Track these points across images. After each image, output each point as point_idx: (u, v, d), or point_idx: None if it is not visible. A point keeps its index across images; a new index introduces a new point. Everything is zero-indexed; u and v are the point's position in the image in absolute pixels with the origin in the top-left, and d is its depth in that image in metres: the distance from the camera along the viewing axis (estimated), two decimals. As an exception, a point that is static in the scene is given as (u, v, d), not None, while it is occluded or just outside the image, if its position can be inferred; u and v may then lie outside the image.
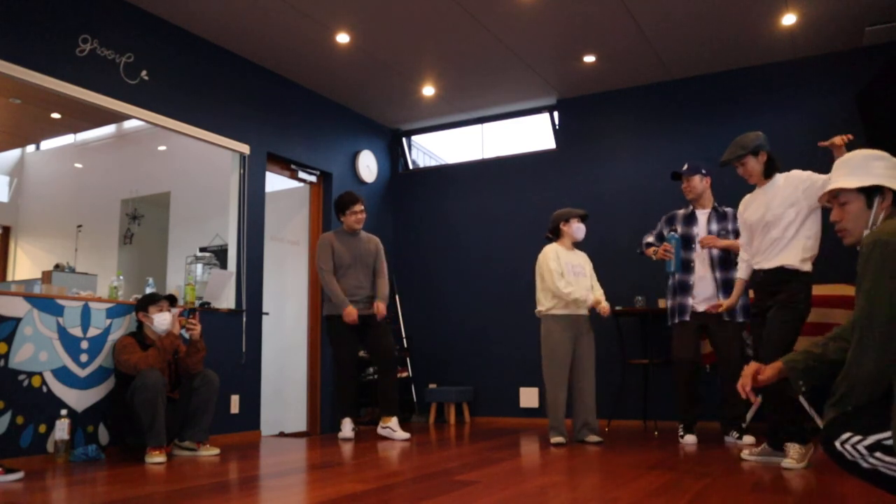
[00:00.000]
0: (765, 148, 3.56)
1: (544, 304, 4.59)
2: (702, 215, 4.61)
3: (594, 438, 4.49)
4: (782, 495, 2.69)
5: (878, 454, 1.60)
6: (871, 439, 1.62)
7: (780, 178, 3.57)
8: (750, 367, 2.03)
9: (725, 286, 4.40)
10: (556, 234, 4.74)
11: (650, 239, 4.78)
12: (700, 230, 4.56)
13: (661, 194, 5.60)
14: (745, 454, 3.60)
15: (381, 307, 5.01)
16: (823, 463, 3.49)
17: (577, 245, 4.79)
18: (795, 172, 3.56)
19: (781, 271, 3.45)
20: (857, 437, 1.63)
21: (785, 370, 1.95)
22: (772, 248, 3.51)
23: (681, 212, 4.74)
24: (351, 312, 4.82)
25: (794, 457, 3.29)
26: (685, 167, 4.63)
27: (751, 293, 3.98)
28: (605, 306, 4.63)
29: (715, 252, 4.48)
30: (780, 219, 3.48)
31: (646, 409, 5.56)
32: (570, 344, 4.54)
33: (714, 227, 4.53)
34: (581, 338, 4.59)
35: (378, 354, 4.97)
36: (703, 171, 4.60)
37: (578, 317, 4.59)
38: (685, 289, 4.56)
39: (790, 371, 1.94)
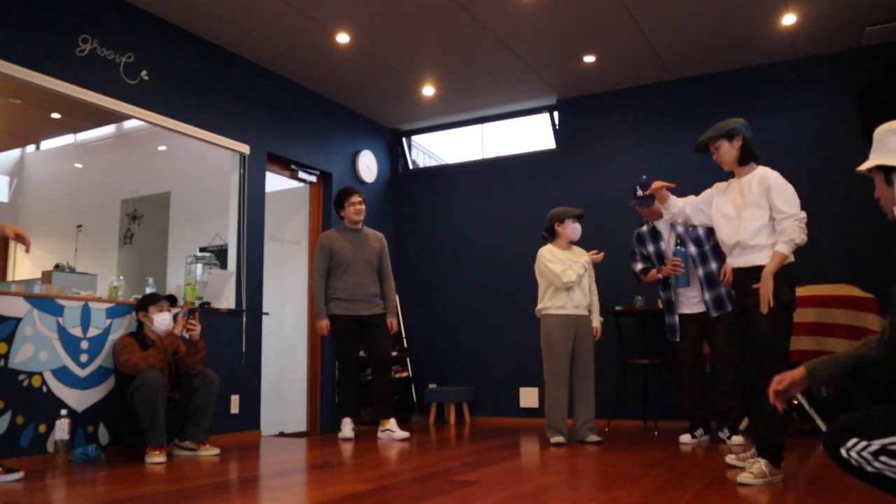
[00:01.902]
0: (741, 133, 3.24)
1: (543, 302, 4.61)
2: (663, 226, 4.62)
3: (594, 438, 4.49)
4: (782, 495, 2.69)
5: (882, 458, 1.62)
6: (876, 444, 1.63)
7: (758, 173, 3.23)
8: (775, 380, 1.95)
9: (708, 281, 4.45)
10: (551, 234, 4.74)
11: (640, 266, 4.74)
12: (666, 243, 4.60)
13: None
14: (730, 458, 3.36)
15: (393, 323, 5.05)
16: (824, 464, 3.49)
17: (578, 243, 4.78)
18: (769, 173, 3.20)
19: (758, 270, 3.12)
20: (863, 444, 1.65)
21: (807, 377, 1.90)
22: (744, 248, 3.21)
23: (643, 229, 4.74)
24: (322, 327, 4.86)
25: (753, 471, 2.92)
26: (641, 193, 4.35)
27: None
28: (596, 327, 4.69)
29: (693, 250, 4.48)
30: (753, 218, 3.18)
31: (646, 409, 5.56)
32: (569, 343, 4.55)
33: (679, 229, 4.52)
34: (580, 337, 4.60)
35: (374, 355, 4.98)
36: None
37: (577, 317, 4.60)
38: (670, 307, 4.59)
39: (812, 379, 1.89)
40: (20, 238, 3.30)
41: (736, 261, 3.23)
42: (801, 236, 3.02)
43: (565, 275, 4.51)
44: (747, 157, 3.24)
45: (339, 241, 4.99)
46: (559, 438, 4.43)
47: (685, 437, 4.46)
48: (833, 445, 1.71)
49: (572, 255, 4.68)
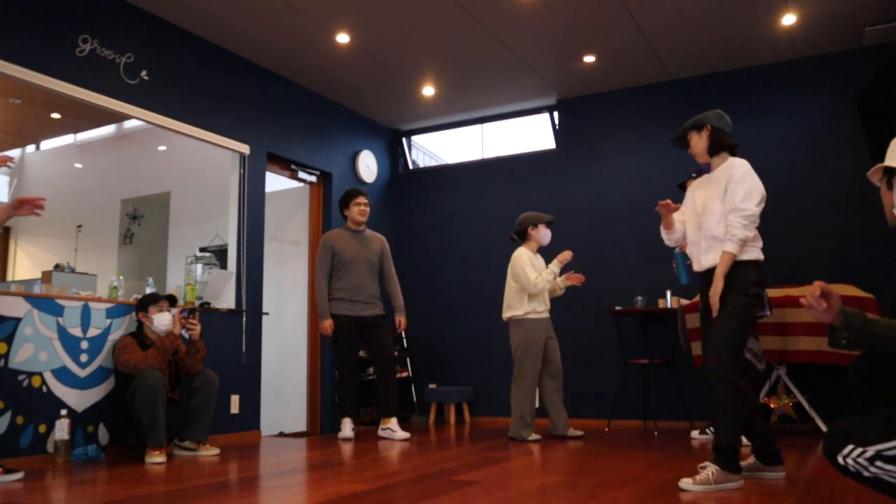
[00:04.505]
0: (709, 122, 3.12)
1: (523, 307, 4.72)
2: None
3: (577, 433, 4.72)
4: (782, 496, 2.69)
5: (878, 463, 1.64)
6: (871, 450, 1.65)
7: (727, 163, 3.06)
8: (816, 286, 1.80)
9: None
10: (521, 237, 4.89)
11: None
12: None
13: (661, 194, 5.56)
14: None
15: (402, 321, 5.07)
16: (824, 464, 3.50)
17: (549, 248, 4.95)
18: (736, 162, 3.02)
19: (712, 271, 2.96)
20: (859, 450, 1.67)
21: (840, 317, 1.78)
22: (706, 245, 3.03)
23: None
24: (326, 327, 4.86)
25: (698, 477, 2.79)
26: (694, 174, 4.58)
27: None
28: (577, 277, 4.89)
29: None
30: (712, 213, 3.00)
31: (646, 409, 5.56)
32: (543, 345, 4.77)
33: None
34: (551, 339, 4.83)
35: (376, 356, 4.98)
36: None
37: (548, 319, 4.84)
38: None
39: (843, 316, 1.78)
40: None
41: (705, 258, 3.03)
42: (743, 232, 2.85)
43: (538, 282, 4.67)
44: (717, 147, 3.10)
45: (342, 241, 5.00)
46: (537, 435, 4.64)
47: (695, 433, 4.63)
48: (831, 452, 1.73)
49: (539, 259, 4.88)
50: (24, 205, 3.19)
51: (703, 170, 4.46)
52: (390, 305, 5.14)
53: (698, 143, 3.15)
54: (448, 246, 6.77)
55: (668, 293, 5.34)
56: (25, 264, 7.94)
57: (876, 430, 1.65)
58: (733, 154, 3.10)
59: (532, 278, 4.63)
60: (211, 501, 2.68)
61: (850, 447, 1.67)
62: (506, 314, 4.80)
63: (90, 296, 4.24)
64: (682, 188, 4.65)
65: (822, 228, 5.27)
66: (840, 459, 1.69)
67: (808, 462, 3.59)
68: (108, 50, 4.41)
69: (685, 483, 2.78)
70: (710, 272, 2.97)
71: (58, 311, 3.98)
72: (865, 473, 1.66)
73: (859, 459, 1.65)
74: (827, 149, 5.35)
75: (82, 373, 4.05)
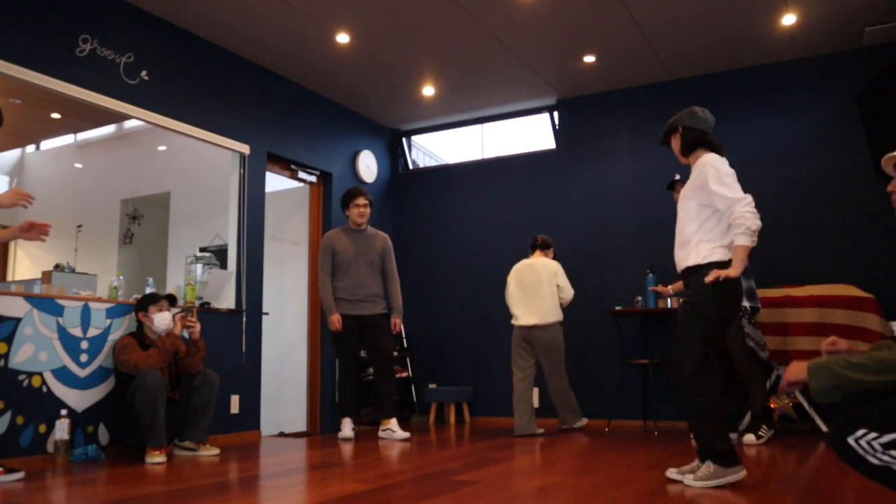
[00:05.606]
0: (682, 123, 3.10)
1: (561, 312, 5.13)
2: None
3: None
4: (782, 495, 2.69)
5: (892, 452, 1.62)
6: (887, 437, 1.63)
7: (698, 163, 3.00)
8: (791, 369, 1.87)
9: None
10: (544, 247, 5.28)
11: None
12: None
13: (661, 194, 5.59)
14: (671, 472, 3.03)
15: (397, 323, 5.03)
16: (824, 464, 3.50)
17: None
18: (706, 158, 2.97)
19: (689, 270, 2.96)
20: (874, 434, 1.64)
21: (809, 376, 1.81)
22: (681, 247, 3.02)
23: None
24: (334, 322, 4.83)
25: (700, 474, 2.84)
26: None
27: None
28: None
29: None
30: (687, 210, 2.99)
31: (646, 409, 5.56)
32: None
33: None
34: None
35: (376, 356, 4.98)
36: None
37: None
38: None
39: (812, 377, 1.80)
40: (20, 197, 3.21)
41: (679, 259, 3.04)
42: (754, 221, 2.75)
43: None
44: (688, 147, 3.08)
45: (342, 240, 4.99)
46: (542, 430, 5.08)
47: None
48: (840, 434, 1.69)
49: None
50: (33, 228, 3.26)
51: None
52: (389, 305, 5.13)
53: (675, 145, 3.16)
54: (448, 246, 6.77)
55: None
56: (25, 264, 7.94)
57: (894, 418, 1.63)
58: (711, 147, 3.04)
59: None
60: (211, 501, 2.68)
61: (864, 430, 1.65)
62: (548, 319, 5.05)
63: (90, 296, 4.24)
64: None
65: (821, 228, 5.27)
66: (851, 441, 1.66)
67: (808, 462, 3.59)
68: (108, 50, 4.41)
69: (687, 479, 2.86)
70: (686, 272, 2.98)
71: (58, 311, 3.98)
72: (873, 459, 1.64)
73: (873, 443, 1.63)
74: (827, 149, 5.34)
75: (82, 373, 4.05)
